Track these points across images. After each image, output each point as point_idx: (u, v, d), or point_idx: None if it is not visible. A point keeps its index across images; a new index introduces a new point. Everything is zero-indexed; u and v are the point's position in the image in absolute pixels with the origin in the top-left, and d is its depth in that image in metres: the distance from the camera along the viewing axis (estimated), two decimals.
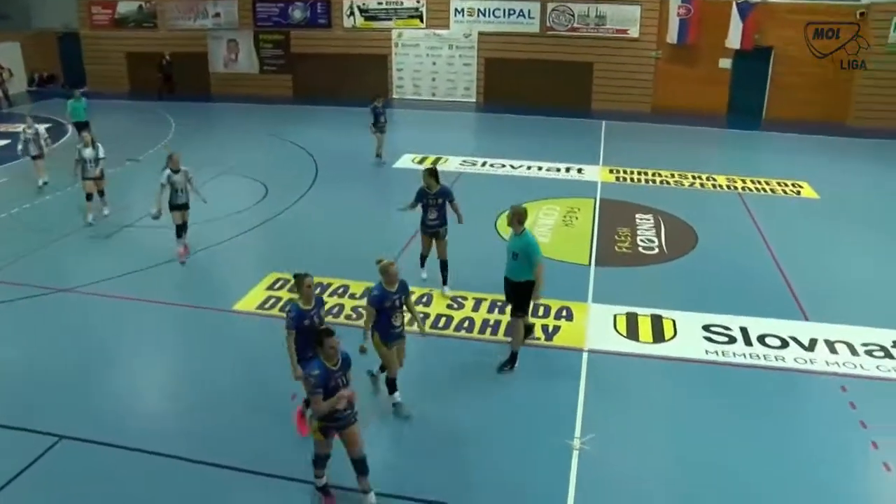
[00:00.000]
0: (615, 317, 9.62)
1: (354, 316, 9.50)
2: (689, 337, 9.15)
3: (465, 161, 17.91)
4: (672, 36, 23.60)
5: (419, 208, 10.10)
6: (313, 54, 26.49)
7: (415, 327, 7.64)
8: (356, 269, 10.58)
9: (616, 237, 12.74)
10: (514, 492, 6.43)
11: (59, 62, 29.79)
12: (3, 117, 23.18)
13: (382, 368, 7.66)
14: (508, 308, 8.56)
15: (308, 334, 6.49)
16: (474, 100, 26.02)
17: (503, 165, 17.65)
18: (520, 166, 17.56)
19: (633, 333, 9.23)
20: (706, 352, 8.82)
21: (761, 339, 9.08)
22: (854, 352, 8.81)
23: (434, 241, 10.18)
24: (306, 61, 26.66)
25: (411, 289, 7.62)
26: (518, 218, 8.13)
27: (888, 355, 8.73)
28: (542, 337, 9.10)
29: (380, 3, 25.80)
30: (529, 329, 8.85)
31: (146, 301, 10.05)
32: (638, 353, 8.82)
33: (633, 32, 24.06)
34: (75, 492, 6.39)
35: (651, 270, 11.49)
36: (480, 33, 25.34)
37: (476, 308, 9.85)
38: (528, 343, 8.73)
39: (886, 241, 12.95)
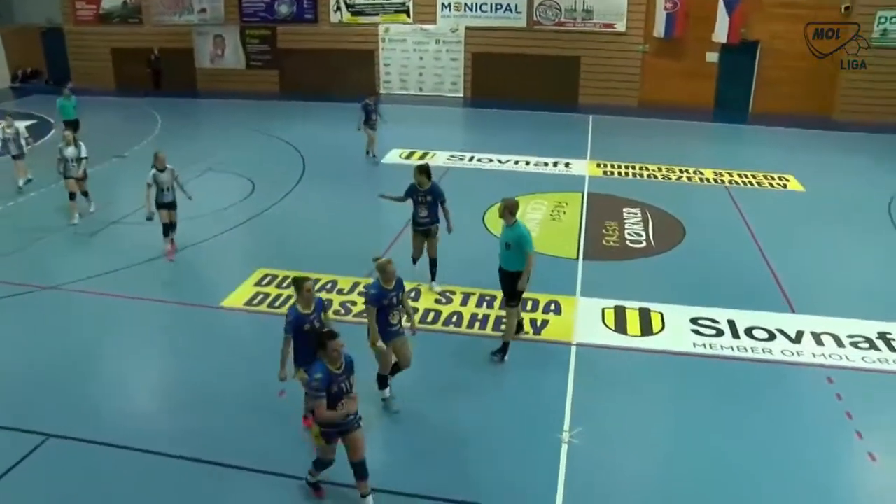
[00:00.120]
0: (603, 310, 9.66)
1: (343, 311, 9.49)
2: (676, 330, 9.19)
3: (452, 156, 17.88)
4: (659, 30, 23.67)
5: (409, 203, 10.06)
6: (300, 49, 26.37)
7: (407, 323, 7.63)
8: (344, 265, 10.59)
9: (604, 231, 12.77)
10: (503, 484, 6.44)
11: (43, 58, 29.51)
12: None
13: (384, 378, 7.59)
14: (497, 302, 8.58)
15: (309, 339, 6.29)
16: (461, 95, 25.98)
17: (491, 160, 17.64)
18: (507, 161, 17.57)
19: (621, 327, 9.27)
20: (694, 345, 8.86)
21: (749, 331, 9.14)
22: (840, 343, 8.88)
23: (425, 240, 10.14)
24: (293, 57, 26.54)
25: None
26: (510, 209, 8.28)
27: (873, 347, 8.81)
28: (531, 331, 9.12)
29: None
30: (520, 326, 8.90)
31: (133, 298, 9.97)
32: (626, 346, 8.86)
33: (620, 26, 24.08)
34: (63, 491, 6.34)
35: (639, 264, 11.54)
36: (467, 28, 25.30)
37: (464, 303, 9.85)
38: (517, 338, 8.75)
39: (871, 233, 13.07)
